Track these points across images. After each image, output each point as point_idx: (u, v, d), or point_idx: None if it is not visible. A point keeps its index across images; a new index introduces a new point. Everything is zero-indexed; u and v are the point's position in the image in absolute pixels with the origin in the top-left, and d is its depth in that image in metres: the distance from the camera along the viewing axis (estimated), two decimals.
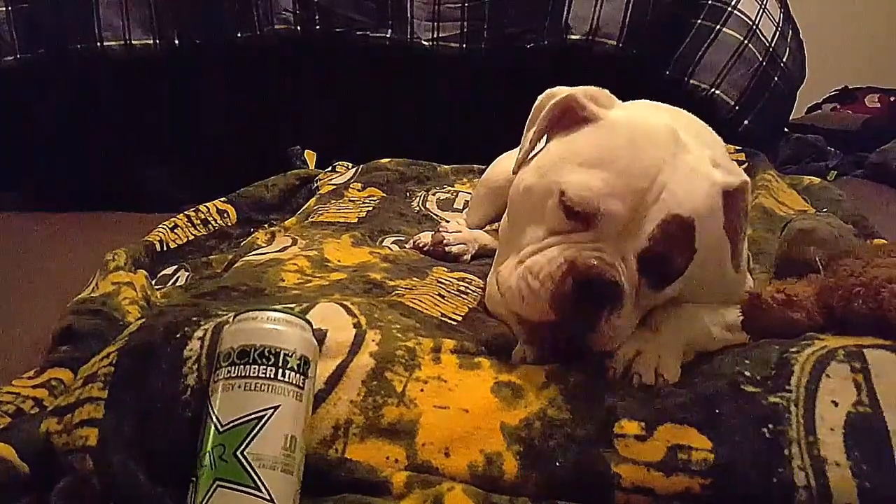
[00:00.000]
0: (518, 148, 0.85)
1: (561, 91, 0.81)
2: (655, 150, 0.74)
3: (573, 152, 0.77)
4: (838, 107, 3.17)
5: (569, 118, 0.80)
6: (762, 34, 2.05)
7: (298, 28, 2.00)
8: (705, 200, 0.74)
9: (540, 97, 0.84)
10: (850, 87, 3.20)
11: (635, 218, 0.71)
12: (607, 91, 0.83)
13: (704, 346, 0.79)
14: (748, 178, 0.79)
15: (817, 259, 0.90)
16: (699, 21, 2.02)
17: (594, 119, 0.78)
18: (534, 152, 0.83)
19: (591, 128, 0.78)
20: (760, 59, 2.04)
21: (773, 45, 2.07)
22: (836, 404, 0.65)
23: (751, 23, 2.03)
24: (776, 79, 2.08)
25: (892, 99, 3.06)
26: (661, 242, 0.71)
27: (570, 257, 0.71)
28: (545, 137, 0.84)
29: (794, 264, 0.96)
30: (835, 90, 3.22)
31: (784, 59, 2.10)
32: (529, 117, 0.85)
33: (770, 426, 0.65)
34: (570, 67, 1.92)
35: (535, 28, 2.01)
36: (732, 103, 2.01)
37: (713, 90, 2.00)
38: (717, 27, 2.01)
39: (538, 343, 0.77)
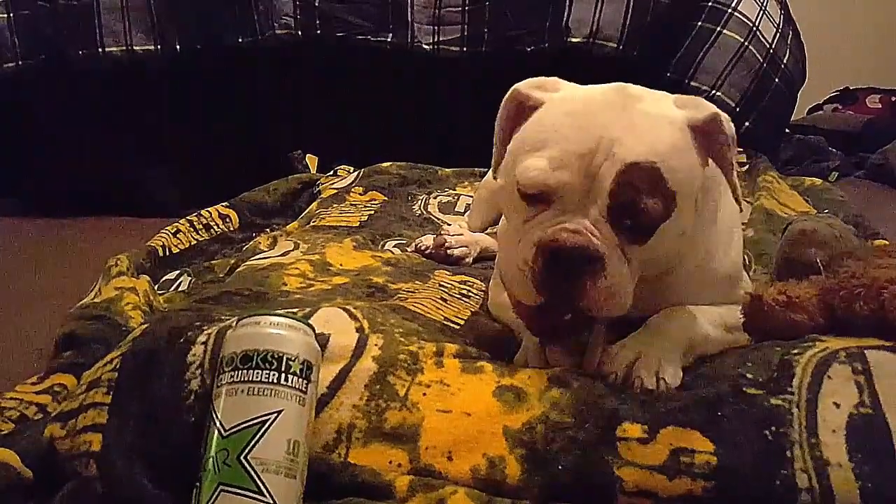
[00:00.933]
0: None
1: (514, 88, 0.82)
2: (599, 112, 0.73)
3: (523, 142, 0.77)
4: (839, 107, 3.17)
5: (522, 112, 0.80)
6: (762, 36, 2.05)
7: (299, 32, 2.01)
8: (666, 140, 0.73)
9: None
10: (851, 87, 3.20)
11: (591, 180, 0.71)
12: (556, 78, 0.83)
13: (705, 349, 0.79)
14: (719, 111, 0.77)
15: (818, 260, 0.90)
16: (699, 23, 2.03)
17: (540, 105, 0.79)
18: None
19: (535, 113, 0.78)
20: (761, 60, 2.04)
21: (773, 46, 2.07)
22: (837, 406, 0.65)
23: (751, 24, 2.03)
24: (777, 80, 2.08)
25: (893, 99, 3.06)
26: (622, 194, 0.71)
27: (535, 239, 0.72)
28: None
29: (795, 266, 0.96)
30: (836, 91, 3.23)
31: (785, 61, 2.10)
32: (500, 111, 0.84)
33: (772, 428, 0.65)
34: (570, 70, 1.92)
35: (536, 31, 2.01)
36: (733, 105, 2.01)
37: (714, 92, 2.00)
38: (718, 29, 2.02)
39: (544, 329, 0.77)
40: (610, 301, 0.72)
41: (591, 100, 0.76)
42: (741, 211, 0.91)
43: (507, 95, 0.81)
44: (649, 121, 0.74)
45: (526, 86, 0.81)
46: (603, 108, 0.74)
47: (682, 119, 0.75)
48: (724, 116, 0.77)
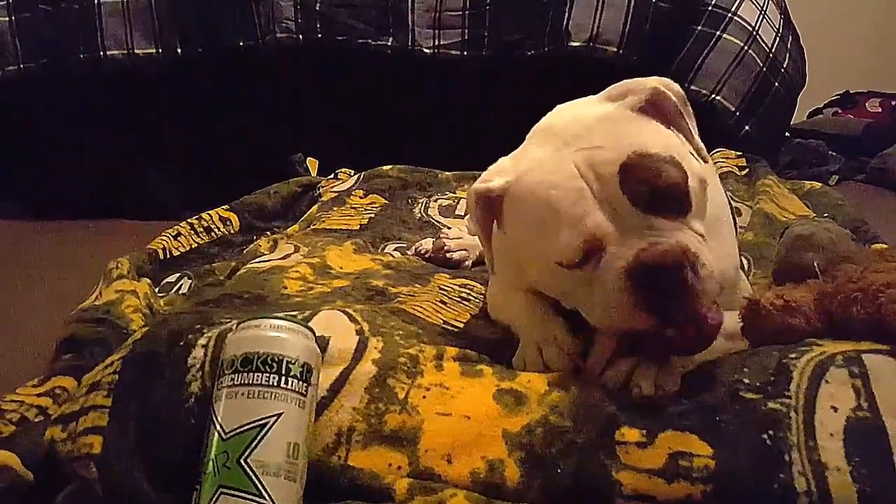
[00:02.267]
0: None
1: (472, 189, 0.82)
2: (562, 162, 0.74)
3: (522, 243, 0.78)
4: (839, 111, 3.17)
5: (493, 206, 0.80)
6: (762, 40, 2.05)
7: (300, 36, 2.01)
8: (626, 131, 0.74)
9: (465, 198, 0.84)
10: (851, 91, 3.20)
11: (609, 202, 0.71)
12: (501, 159, 0.83)
13: (704, 356, 0.79)
14: (657, 83, 0.78)
15: (816, 264, 0.90)
16: (699, 27, 2.03)
17: (504, 194, 0.79)
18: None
19: (508, 202, 0.79)
20: (761, 64, 2.04)
21: (773, 50, 2.07)
22: (835, 409, 0.66)
23: (751, 29, 2.04)
24: (777, 84, 2.08)
25: (893, 103, 3.06)
26: (639, 186, 0.70)
27: (622, 273, 0.69)
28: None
29: (792, 270, 0.95)
30: (836, 95, 3.22)
31: (784, 65, 2.11)
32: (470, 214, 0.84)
33: (770, 432, 0.65)
34: (570, 74, 1.93)
35: (536, 35, 2.01)
36: (733, 109, 2.02)
37: (714, 96, 2.01)
38: (718, 33, 2.02)
39: (658, 347, 0.74)
40: (711, 277, 0.70)
41: (544, 159, 0.76)
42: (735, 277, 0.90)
43: (469, 201, 0.82)
44: (602, 130, 0.74)
45: (481, 183, 0.80)
46: (561, 157, 0.74)
47: (625, 108, 0.77)
48: (664, 84, 0.78)
